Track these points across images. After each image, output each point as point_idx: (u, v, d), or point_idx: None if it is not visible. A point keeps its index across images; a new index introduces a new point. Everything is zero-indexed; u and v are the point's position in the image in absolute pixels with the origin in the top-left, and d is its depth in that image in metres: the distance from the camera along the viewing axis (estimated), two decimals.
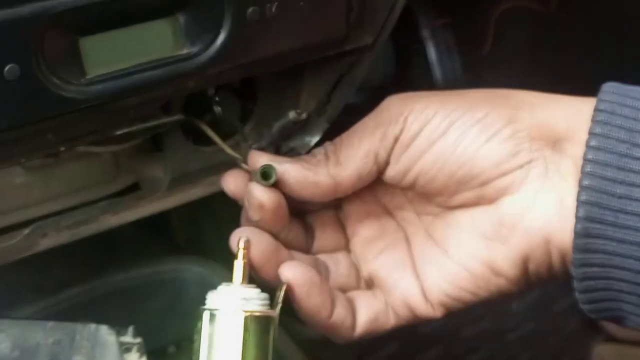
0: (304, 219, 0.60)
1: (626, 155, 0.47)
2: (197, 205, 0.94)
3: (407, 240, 0.58)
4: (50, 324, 0.51)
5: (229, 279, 0.87)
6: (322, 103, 0.71)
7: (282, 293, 0.52)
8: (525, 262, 0.53)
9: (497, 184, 0.52)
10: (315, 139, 0.56)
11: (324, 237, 0.60)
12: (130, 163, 0.70)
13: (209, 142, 0.68)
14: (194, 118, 0.62)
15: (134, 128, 0.58)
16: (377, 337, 1.21)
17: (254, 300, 0.50)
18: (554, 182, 0.51)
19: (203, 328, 0.49)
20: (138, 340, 0.52)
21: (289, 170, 0.53)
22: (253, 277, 0.53)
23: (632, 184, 0.46)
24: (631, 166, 0.47)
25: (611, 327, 1.32)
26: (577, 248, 0.48)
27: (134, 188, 0.71)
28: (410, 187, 0.55)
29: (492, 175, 0.52)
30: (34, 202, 0.66)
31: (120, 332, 0.52)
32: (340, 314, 0.55)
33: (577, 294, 0.50)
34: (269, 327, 0.50)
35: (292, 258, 0.55)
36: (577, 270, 0.49)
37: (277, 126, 0.56)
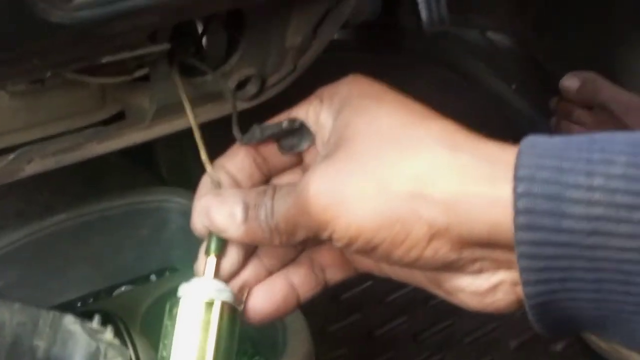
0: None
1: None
2: (182, 136, 0.94)
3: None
4: (17, 305, 0.52)
5: None
6: (308, 38, 0.72)
7: (246, 294, 0.54)
8: None
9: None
10: (304, 146, 0.56)
11: None
12: (116, 92, 0.70)
13: (195, 73, 0.69)
14: (175, 48, 0.62)
15: (120, 56, 0.58)
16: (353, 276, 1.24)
17: (226, 292, 0.52)
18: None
19: (179, 316, 0.51)
20: (107, 327, 0.52)
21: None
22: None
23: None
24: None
25: None
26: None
27: (119, 117, 0.71)
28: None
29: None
30: (19, 128, 0.66)
31: (83, 321, 0.53)
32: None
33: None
34: (236, 320, 0.52)
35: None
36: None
37: (269, 131, 0.56)
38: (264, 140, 0.55)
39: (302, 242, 0.53)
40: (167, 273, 0.92)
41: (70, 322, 0.52)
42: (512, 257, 0.45)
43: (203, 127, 0.71)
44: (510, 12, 1.36)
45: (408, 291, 1.26)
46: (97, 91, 0.69)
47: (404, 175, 0.47)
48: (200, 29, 0.71)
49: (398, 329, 1.22)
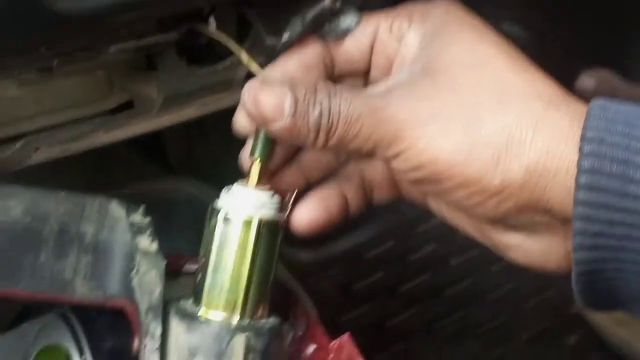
0: None
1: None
2: (190, 126, 0.94)
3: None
4: (62, 194, 0.53)
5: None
6: None
7: (292, 198, 0.53)
8: None
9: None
10: (352, 27, 0.53)
11: None
12: (123, 81, 0.70)
13: (203, 62, 0.68)
14: (184, 37, 0.61)
15: (128, 45, 0.57)
16: (364, 264, 1.23)
17: (267, 205, 0.52)
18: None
19: (217, 227, 0.51)
20: (147, 220, 0.53)
21: None
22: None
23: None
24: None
25: None
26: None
27: (127, 106, 0.70)
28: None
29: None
30: (26, 116, 0.66)
31: (130, 208, 0.53)
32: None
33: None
34: (278, 232, 0.52)
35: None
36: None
37: (311, 15, 0.54)
38: (307, 28, 0.52)
39: (345, 155, 0.52)
40: None
41: (116, 207, 0.53)
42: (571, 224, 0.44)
43: (211, 117, 0.70)
44: (525, 3, 1.35)
45: (420, 282, 1.25)
46: (105, 80, 0.69)
47: (496, 122, 0.46)
48: (210, 17, 0.70)
49: (410, 320, 1.22)
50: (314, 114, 0.48)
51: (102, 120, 0.67)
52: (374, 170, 0.55)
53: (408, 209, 1.31)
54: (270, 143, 0.52)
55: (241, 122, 0.53)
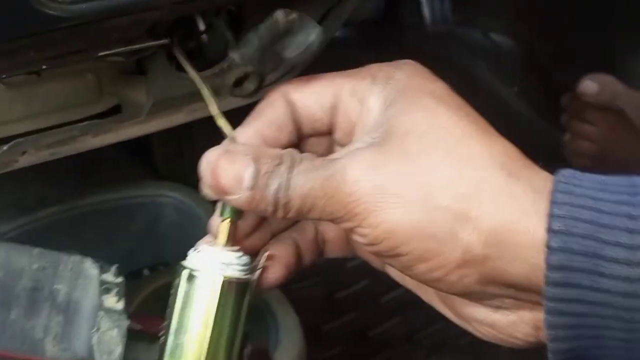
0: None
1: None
2: (178, 131, 0.94)
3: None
4: (36, 250, 0.52)
5: (205, 205, 0.88)
6: None
7: (262, 260, 0.52)
8: None
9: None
10: (311, 40, 0.52)
11: None
12: (112, 85, 0.70)
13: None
14: (176, 45, 0.61)
15: (117, 50, 0.57)
16: (348, 273, 1.23)
17: (233, 265, 0.50)
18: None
19: (180, 286, 0.49)
20: (119, 280, 0.52)
21: None
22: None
23: None
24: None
25: None
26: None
27: (116, 111, 0.70)
28: None
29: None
30: (14, 119, 0.66)
31: (103, 268, 0.52)
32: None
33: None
34: (245, 292, 0.50)
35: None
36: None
37: (263, 29, 0.53)
38: (262, 45, 0.51)
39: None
40: (161, 267, 0.91)
41: (90, 266, 0.52)
42: (539, 299, 0.43)
43: (199, 123, 0.70)
44: (514, 14, 1.36)
45: (404, 291, 1.25)
46: (94, 84, 0.69)
47: (453, 191, 0.44)
48: (200, 24, 0.70)
49: (393, 330, 1.22)
50: (271, 190, 0.47)
51: (91, 125, 0.67)
52: (329, 228, 0.54)
53: None
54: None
55: (206, 190, 0.50)
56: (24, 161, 0.64)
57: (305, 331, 0.86)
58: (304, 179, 0.46)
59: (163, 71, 0.66)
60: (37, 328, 0.50)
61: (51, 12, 0.49)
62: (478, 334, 0.50)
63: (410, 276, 0.47)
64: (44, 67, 0.55)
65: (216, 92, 0.69)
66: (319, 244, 0.54)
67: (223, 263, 0.49)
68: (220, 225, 0.50)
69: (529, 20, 1.42)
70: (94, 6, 0.50)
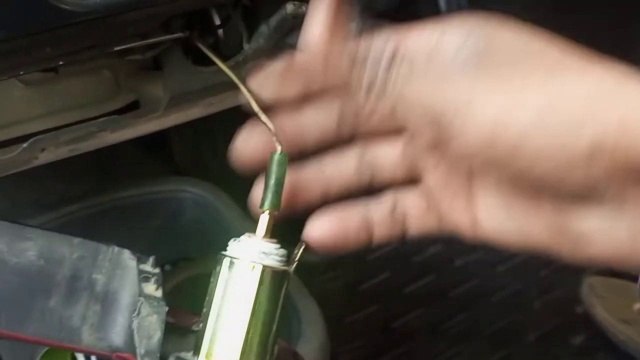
0: None
1: None
2: (197, 126, 0.94)
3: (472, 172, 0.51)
4: (77, 240, 0.52)
5: (225, 200, 0.88)
6: None
7: (299, 251, 0.53)
8: None
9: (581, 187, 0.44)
10: None
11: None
12: (130, 81, 0.70)
13: (209, 62, 0.68)
14: (193, 37, 0.61)
15: (133, 44, 0.57)
16: (369, 265, 1.23)
17: (272, 255, 0.51)
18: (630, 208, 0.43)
19: (221, 274, 0.50)
20: (157, 270, 0.53)
21: None
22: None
23: None
24: None
25: None
26: None
27: (133, 106, 0.71)
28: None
29: (576, 187, 0.44)
30: (33, 117, 0.66)
31: (140, 259, 0.53)
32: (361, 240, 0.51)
33: None
34: (283, 282, 0.51)
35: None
36: None
37: (274, 20, 0.54)
38: (273, 34, 0.51)
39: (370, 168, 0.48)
40: (182, 263, 0.92)
41: (128, 257, 0.53)
42: None
43: (217, 117, 0.70)
44: (530, 3, 1.35)
45: (426, 283, 1.25)
46: (111, 80, 0.69)
47: (578, 78, 0.42)
48: (216, 19, 0.70)
49: (415, 321, 1.22)
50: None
51: (109, 120, 0.67)
52: (409, 197, 0.51)
53: None
54: (279, 194, 0.52)
55: (248, 145, 0.50)
56: (44, 158, 0.64)
57: (327, 323, 0.86)
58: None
59: (179, 66, 0.66)
60: (74, 317, 0.51)
61: (66, 7, 0.49)
62: (592, 255, 0.45)
63: (521, 190, 0.44)
64: (60, 63, 0.55)
65: (233, 85, 0.69)
66: (397, 219, 0.51)
67: (263, 252, 0.50)
68: (260, 216, 0.51)
69: (545, 9, 1.41)
70: (108, 0, 0.50)
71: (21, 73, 0.55)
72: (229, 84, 0.69)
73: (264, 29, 0.51)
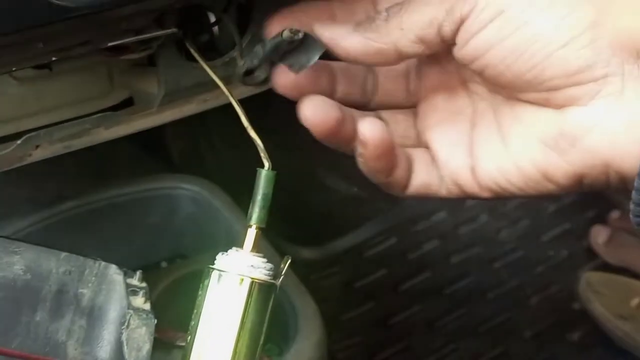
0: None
1: None
2: (193, 123, 0.94)
3: (473, 119, 0.55)
4: (64, 254, 0.53)
5: (221, 197, 0.88)
6: None
7: (285, 266, 0.54)
8: (580, 178, 0.50)
9: (567, 93, 0.48)
10: (313, 60, 0.55)
11: (387, 91, 0.58)
12: (124, 78, 0.70)
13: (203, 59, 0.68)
14: (184, 34, 0.61)
15: (126, 40, 0.57)
16: (366, 262, 1.23)
17: (260, 268, 0.52)
18: (628, 100, 0.47)
19: (209, 287, 0.51)
20: (144, 284, 0.53)
21: (348, 38, 0.51)
22: (261, 245, 0.54)
23: None
24: None
25: (603, 252, 1.34)
26: None
27: (128, 103, 0.70)
28: (479, 73, 0.52)
29: (563, 84, 0.48)
30: (27, 114, 0.66)
31: (127, 273, 0.53)
32: (399, 175, 0.54)
33: (632, 206, 0.47)
34: (270, 295, 0.52)
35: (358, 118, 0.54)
36: (637, 195, 0.46)
37: (270, 44, 0.55)
38: (268, 56, 0.53)
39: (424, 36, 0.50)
40: (178, 260, 0.91)
41: (114, 272, 0.53)
42: None
43: (212, 113, 0.70)
44: None
45: (422, 279, 1.25)
46: (105, 77, 0.69)
47: None
48: (211, 17, 0.70)
49: (412, 318, 1.22)
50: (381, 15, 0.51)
51: (103, 117, 0.67)
52: (416, 151, 0.55)
53: (409, 206, 1.31)
54: (266, 210, 0.53)
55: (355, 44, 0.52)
56: (38, 155, 0.64)
57: (324, 320, 0.86)
58: None
59: (174, 62, 0.66)
60: (60, 331, 0.51)
61: (59, 2, 0.48)
62: (589, 146, 0.49)
63: (517, 61, 0.48)
64: (53, 59, 0.55)
65: (227, 81, 0.69)
66: (366, 89, 0.56)
67: (251, 266, 0.51)
68: (248, 231, 0.52)
69: None
70: None
71: (14, 69, 0.55)
72: (223, 81, 0.69)
73: (258, 50, 0.53)
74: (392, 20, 0.50)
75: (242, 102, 0.74)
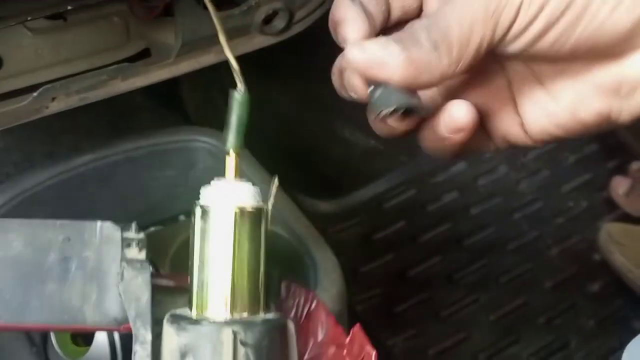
0: None
1: None
2: (208, 75, 0.92)
3: (509, 80, 0.53)
4: (59, 222, 0.52)
5: None
6: None
7: (274, 188, 0.52)
8: None
9: (624, 45, 0.48)
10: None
11: None
12: (140, 28, 0.68)
13: (220, 7, 0.67)
14: None
15: None
16: (385, 214, 1.22)
17: (244, 194, 0.50)
18: None
19: (195, 223, 0.49)
20: (140, 235, 0.52)
21: (400, 65, 0.46)
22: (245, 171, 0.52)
23: None
24: None
25: (623, 203, 1.33)
26: None
27: (144, 54, 0.69)
28: (526, 59, 0.51)
29: (620, 48, 0.47)
30: (43, 66, 0.65)
31: (124, 228, 0.53)
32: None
33: None
34: (260, 220, 0.50)
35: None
36: None
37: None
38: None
39: (474, 58, 0.47)
40: None
41: (112, 229, 0.53)
42: None
43: (228, 66, 0.69)
44: None
45: (442, 231, 1.25)
46: (121, 28, 0.67)
47: None
48: None
49: (432, 270, 1.21)
50: (422, 36, 0.46)
51: (119, 68, 0.66)
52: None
53: (428, 158, 1.30)
54: (241, 134, 0.51)
55: (357, 83, 0.49)
56: (54, 107, 0.63)
57: (343, 273, 0.86)
58: (442, 12, 0.46)
59: (191, 12, 0.65)
60: (73, 298, 0.51)
61: None
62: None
63: (575, 40, 0.46)
64: (68, 8, 0.53)
65: (246, 31, 0.68)
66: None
67: (234, 194, 0.49)
68: (227, 159, 0.50)
69: None
70: None
71: (28, 19, 0.54)
72: (241, 30, 0.67)
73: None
74: (441, 47, 0.48)
75: (259, 52, 0.73)
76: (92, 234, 0.52)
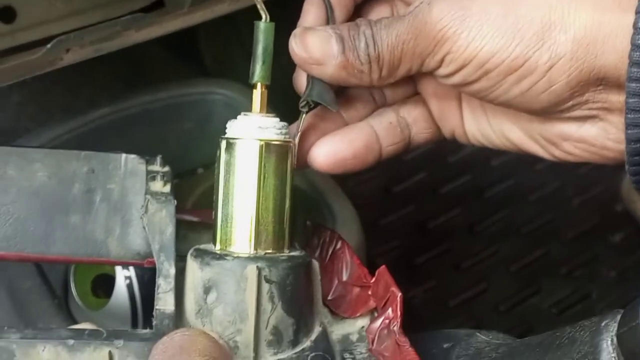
0: None
1: None
2: (225, 26, 0.91)
3: (460, 99, 0.56)
4: (84, 153, 0.52)
5: None
6: None
7: (302, 122, 0.51)
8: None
9: (551, 111, 0.50)
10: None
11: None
12: None
13: None
14: None
15: None
16: (405, 166, 1.22)
17: (270, 128, 0.49)
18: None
19: (221, 156, 0.49)
20: (166, 169, 0.52)
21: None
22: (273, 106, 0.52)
23: None
24: None
25: None
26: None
27: (159, 5, 0.68)
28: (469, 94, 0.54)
29: (546, 112, 0.50)
30: (55, 18, 0.64)
31: (149, 161, 0.52)
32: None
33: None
34: (286, 155, 0.49)
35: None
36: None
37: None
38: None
39: (399, 78, 0.51)
40: (214, 165, 0.91)
41: (137, 162, 0.53)
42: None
43: (244, 13, 0.68)
44: None
45: (462, 182, 1.24)
46: None
47: (536, 1, 0.46)
48: None
49: (452, 221, 1.21)
50: (361, 47, 0.49)
51: (133, 19, 0.65)
52: (409, 107, 0.56)
53: None
54: (268, 65, 0.50)
55: (301, 80, 0.53)
56: (69, 59, 0.62)
57: (363, 225, 0.86)
58: (388, 30, 0.49)
59: None
60: (97, 230, 0.51)
61: None
62: (569, 157, 0.51)
63: (495, 99, 0.48)
64: None
65: None
66: (402, 129, 0.55)
67: (260, 127, 0.49)
68: (254, 93, 0.50)
69: None
70: None
71: None
72: None
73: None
74: (374, 67, 0.51)
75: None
76: (117, 166, 0.52)
